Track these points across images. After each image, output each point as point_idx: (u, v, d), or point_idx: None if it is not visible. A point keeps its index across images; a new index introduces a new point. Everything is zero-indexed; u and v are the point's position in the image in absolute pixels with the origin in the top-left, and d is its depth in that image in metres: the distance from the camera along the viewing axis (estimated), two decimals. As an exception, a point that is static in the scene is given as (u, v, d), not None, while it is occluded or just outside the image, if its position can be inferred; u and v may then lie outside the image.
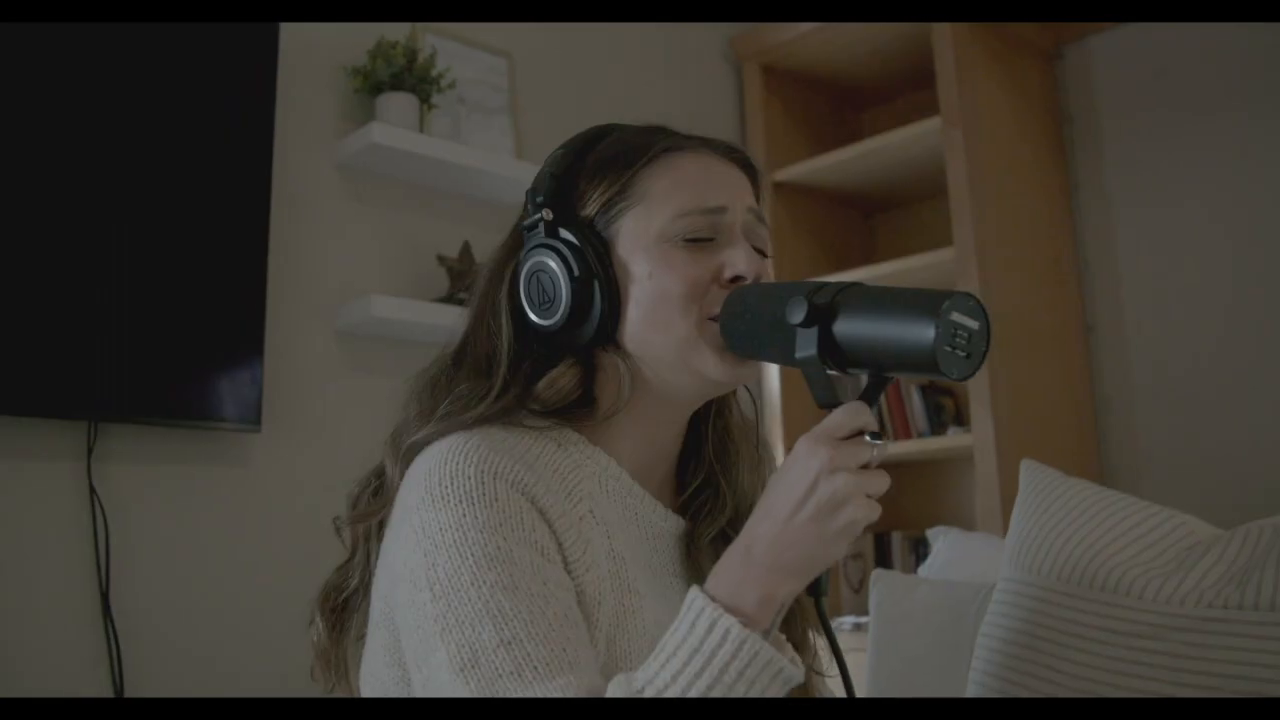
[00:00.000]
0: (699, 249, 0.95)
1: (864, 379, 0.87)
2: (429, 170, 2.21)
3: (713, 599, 0.78)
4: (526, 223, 0.98)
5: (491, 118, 2.40)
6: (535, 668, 0.78)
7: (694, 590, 0.80)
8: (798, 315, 0.83)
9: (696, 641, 0.76)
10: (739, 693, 0.75)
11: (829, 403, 0.84)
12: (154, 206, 1.83)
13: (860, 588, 2.84)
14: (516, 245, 1.00)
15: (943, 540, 1.98)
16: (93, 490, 1.77)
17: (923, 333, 0.78)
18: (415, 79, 2.18)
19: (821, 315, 0.83)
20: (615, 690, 0.77)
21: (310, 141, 2.13)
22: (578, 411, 0.97)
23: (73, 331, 1.72)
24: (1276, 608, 1.18)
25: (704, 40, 3.02)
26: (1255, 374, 2.46)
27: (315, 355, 2.08)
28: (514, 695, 0.77)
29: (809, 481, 0.78)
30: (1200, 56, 2.62)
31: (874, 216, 3.21)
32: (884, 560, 2.87)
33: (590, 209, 0.96)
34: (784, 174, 2.92)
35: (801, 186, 2.97)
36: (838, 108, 3.19)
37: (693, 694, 0.75)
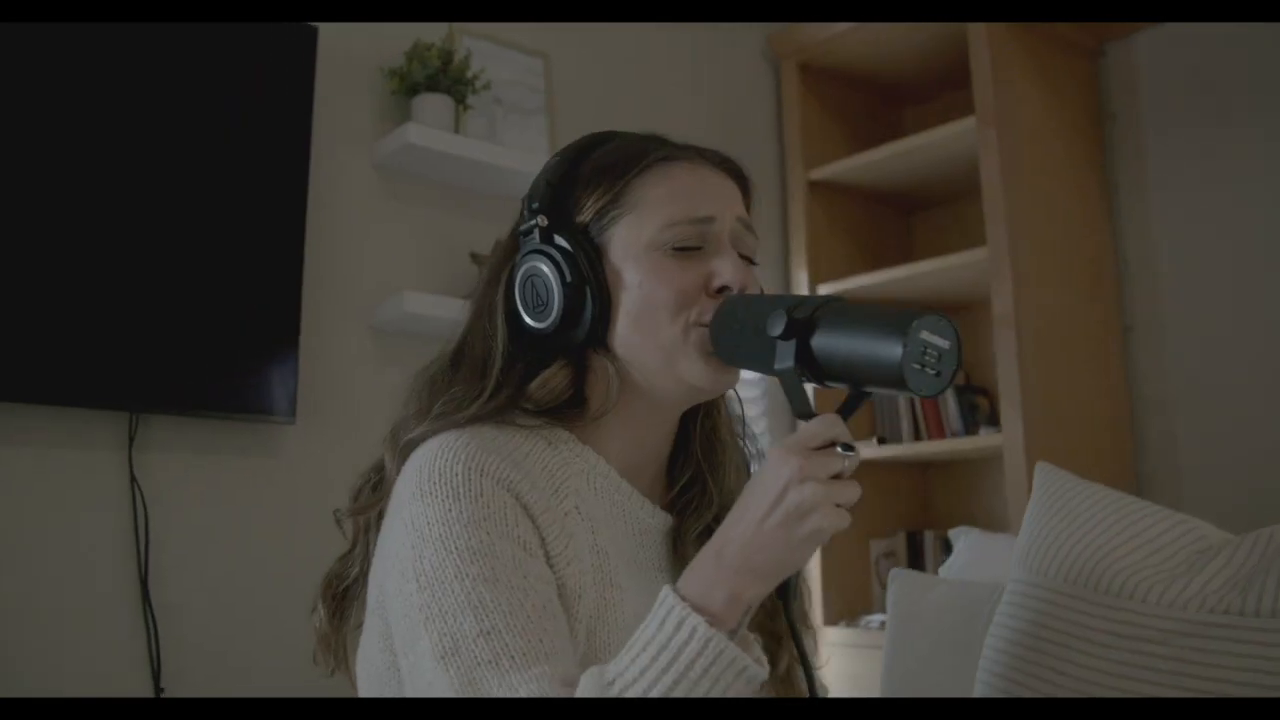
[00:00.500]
0: (688, 257, 0.98)
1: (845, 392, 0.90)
2: (464, 170, 2.25)
3: (683, 598, 0.81)
4: (523, 228, 1.01)
5: (528, 118, 2.44)
6: (512, 657, 0.81)
7: (666, 589, 0.82)
8: (777, 328, 0.87)
9: (665, 638, 0.79)
10: (703, 688, 0.78)
11: (805, 414, 0.87)
12: (195, 203, 1.88)
13: (880, 589, 2.85)
14: (513, 249, 1.03)
15: (964, 540, 1.99)
16: (133, 479, 1.84)
17: (891, 350, 0.81)
18: (450, 80, 2.22)
19: (800, 329, 0.86)
20: (587, 682, 0.79)
21: (347, 141, 2.19)
22: (569, 411, 1.00)
23: (116, 325, 1.78)
24: (1278, 614, 1.18)
25: (741, 38, 3.03)
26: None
27: (350, 350, 2.13)
28: (491, 683, 0.80)
29: (779, 489, 0.80)
30: (1245, 56, 2.58)
31: (912, 215, 3.20)
32: (916, 559, 2.88)
33: (585, 216, 1.00)
34: (820, 172, 2.92)
35: (838, 185, 2.98)
36: (876, 106, 3.18)
37: (659, 689, 0.77)
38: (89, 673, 1.76)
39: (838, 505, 0.81)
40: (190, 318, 1.86)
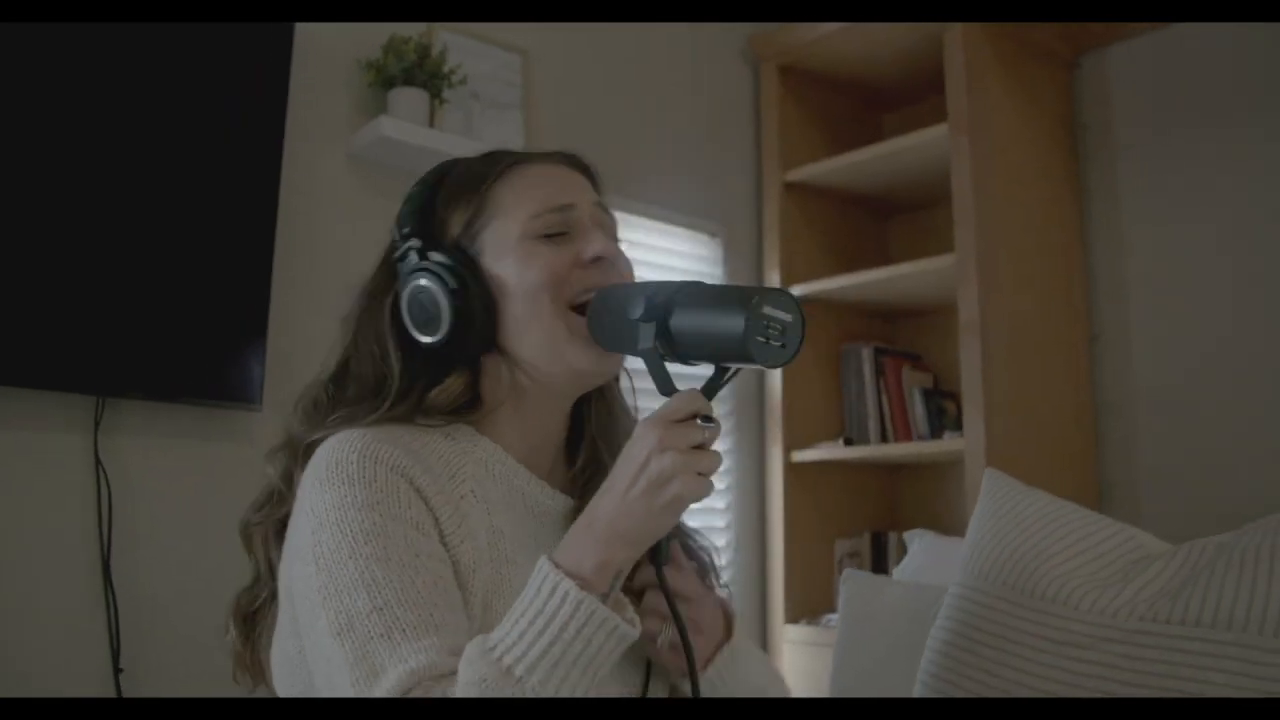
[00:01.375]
0: (556, 242, 1.06)
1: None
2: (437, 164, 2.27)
3: (557, 566, 0.87)
4: (398, 254, 1.08)
5: (504, 113, 2.46)
6: (403, 630, 0.87)
7: (541, 559, 0.88)
8: (637, 311, 0.94)
9: (541, 604, 0.85)
10: (577, 649, 0.84)
11: (668, 391, 0.93)
12: (168, 189, 1.89)
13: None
14: (391, 275, 1.10)
15: (919, 543, 2.02)
16: (99, 463, 1.85)
17: (735, 324, 0.88)
18: (427, 74, 2.24)
19: (657, 311, 0.93)
20: (471, 650, 0.85)
21: (322, 132, 2.20)
22: (467, 410, 1.08)
23: (85, 308, 1.79)
24: (1202, 623, 1.21)
25: (721, 39, 3.05)
26: (1258, 389, 2.46)
27: (319, 339, 2.12)
28: (383, 655, 0.86)
29: (642, 459, 0.87)
30: (1217, 71, 2.61)
31: (888, 219, 3.23)
32: (880, 560, 2.91)
33: (454, 231, 1.07)
34: (797, 174, 2.95)
35: (815, 187, 3.00)
36: (854, 110, 3.20)
37: (535, 650, 0.83)
38: (48, 656, 1.77)
39: (700, 474, 0.87)
40: (160, 303, 1.88)
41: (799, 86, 3.06)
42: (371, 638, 0.87)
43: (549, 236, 1.05)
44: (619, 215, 2.88)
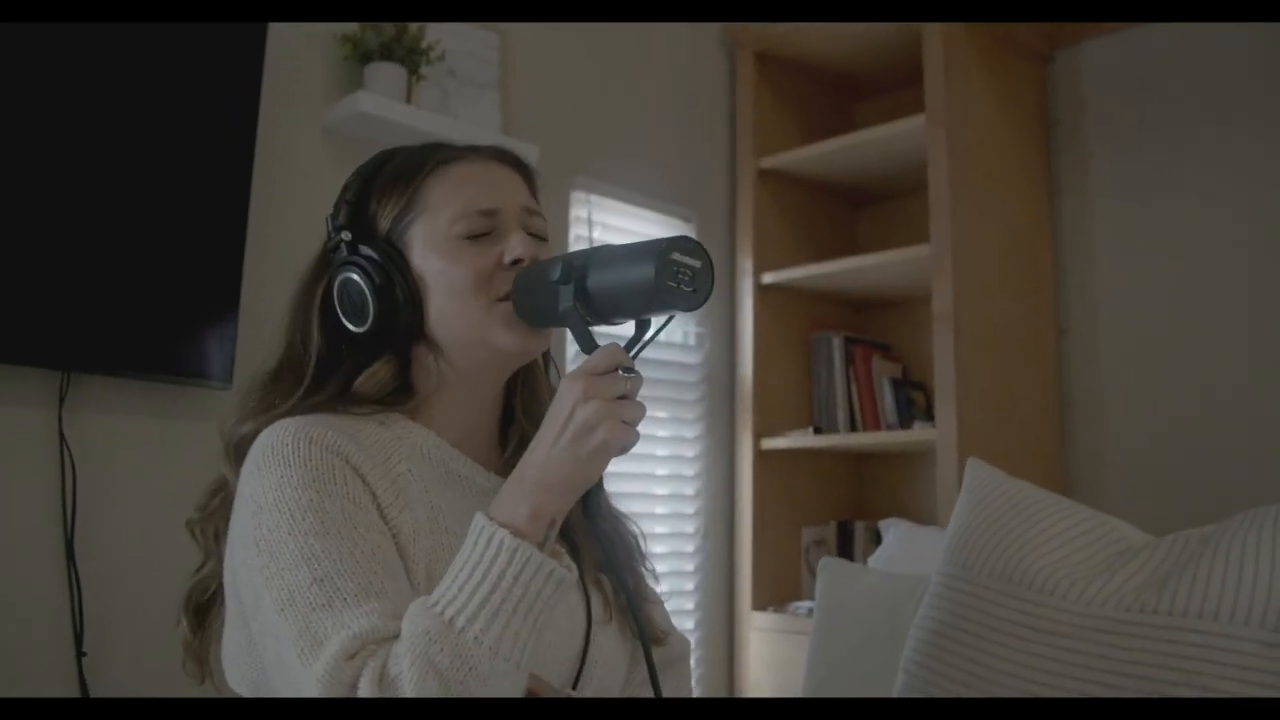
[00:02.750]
0: (481, 242, 1.08)
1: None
2: (414, 141, 2.22)
3: (490, 519, 0.89)
4: (330, 245, 1.11)
5: (481, 93, 2.42)
6: (344, 598, 0.89)
7: (477, 515, 0.90)
8: (555, 274, 0.98)
9: (478, 556, 0.87)
10: (516, 595, 0.86)
11: (589, 348, 0.96)
12: (138, 161, 1.85)
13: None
14: (324, 265, 1.13)
15: (893, 532, 2.03)
16: (63, 439, 1.80)
17: (645, 273, 0.92)
18: (405, 50, 2.20)
19: (574, 273, 0.97)
20: (414, 607, 0.86)
21: (297, 105, 2.15)
22: (398, 399, 1.10)
23: (51, 281, 1.74)
24: (1189, 613, 1.23)
25: (698, 25, 3.03)
26: (1222, 385, 2.50)
27: (291, 317, 2.11)
28: (326, 625, 0.87)
29: (567, 411, 0.91)
30: (1188, 69, 2.64)
31: (859, 209, 3.23)
32: (846, 548, 2.92)
33: (384, 224, 1.10)
34: (771, 161, 2.94)
35: (788, 175, 2.99)
36: (830, 98, 3.20)
37: (475, 600, 0.85)
38: (6, 639, 1.72)
39: (625, 423, 0.90)
40: (129, 277, 1.83)
41: (774, 74, 3.05)
42: (314, 609, 0.88)
43: (474, 238, 1.08)
44: (593, 198, 2.87)
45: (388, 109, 2.14)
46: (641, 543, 1.22)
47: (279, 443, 0.98)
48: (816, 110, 3.15)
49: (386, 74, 2.18)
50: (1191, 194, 2.60)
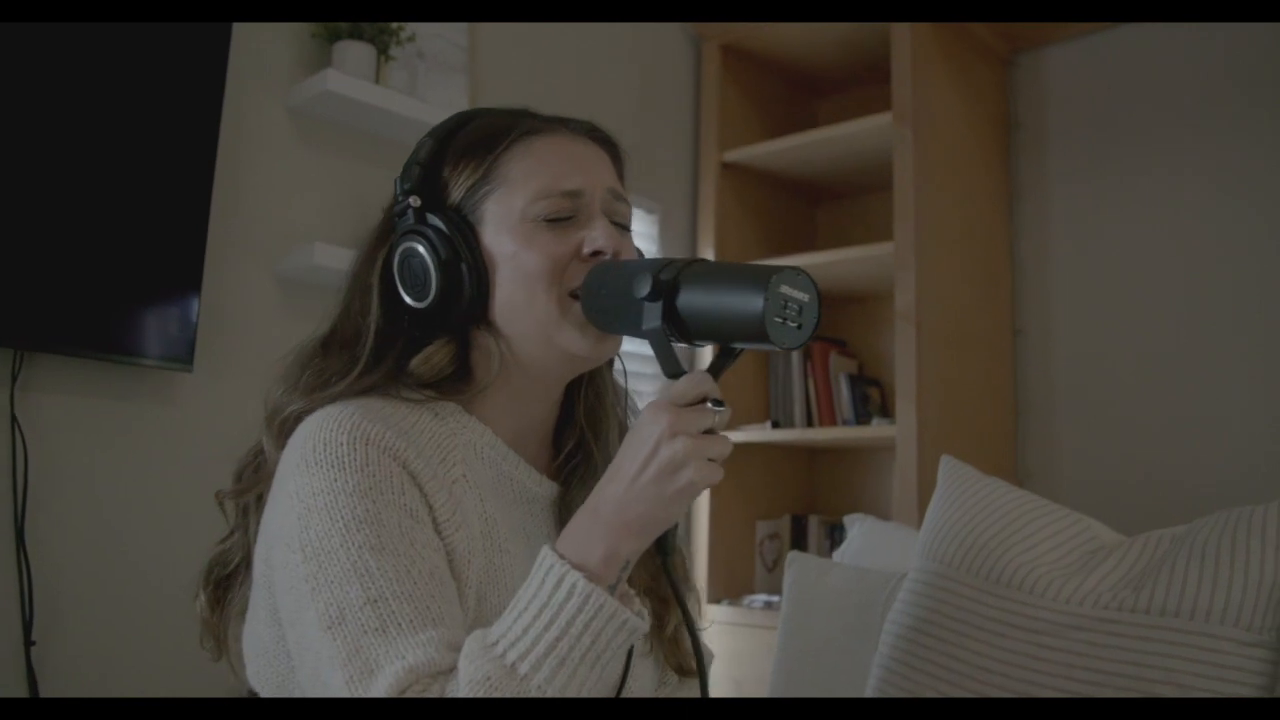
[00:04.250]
0: (560, 227, 1.00)
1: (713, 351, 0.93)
2: (382, 122, 2.19)
3: (561, 556, 0.83)
4: (396, 209, 1.03)
5: (450, 75, 2.39)
6: (399, 624, 0.82)
7: (545, 548, 0.84)
8: (643, 289, 0.89)
9: (545, 596, 0.81)
10: (585, 644, 0.80)
11: (674, 372, 0.89)
12: (98, 138, 1.79)
13: (774, 567, 2.91)
14: (387, 230, 1.04)
15: (859, 527, 2.03)
16: (14, 420, 1.74)
17: (752, 304, 0.83)
18: (374, 29, 2.16)
19: (665, 290, 0.89)
20: (471, 645, 0.81)
21: (264, 83, 2.10)
22: (454, 385, 1.02)
23: (7, 258, 1.68)
24: (1166, 612, 1.25)
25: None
26: (1173, 388, 2.56)
27: (254, 299, 2.06)
28: (378, 650, 0.81)
29: (651, 445, 0.83)
30: (1147, 75, 2.69)
31: (819, 205, 3.25)
32: (799, 543, 2.94)
33: (456, 195, 1.02)
34: (734, 155, 2.94)
35: (751, 169, 3.00)
36: (794, 94, 3.21)
37: (541, 645, 0.79)
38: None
39: (710, 460, 0.83)
40: (87, 254, 1.77)
41: (739, 68, 3.05)
42: (365, 632, 0.82)
43: (552, 220, 1.00)
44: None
45: (356, 89, 2.10)
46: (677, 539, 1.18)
47: (332, 440, 0.90)
48: (780, 105, 3.16)
49: (355, 53, 2.13)
50: (1147, 200, 2.66)
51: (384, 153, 2.25)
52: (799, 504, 3.05)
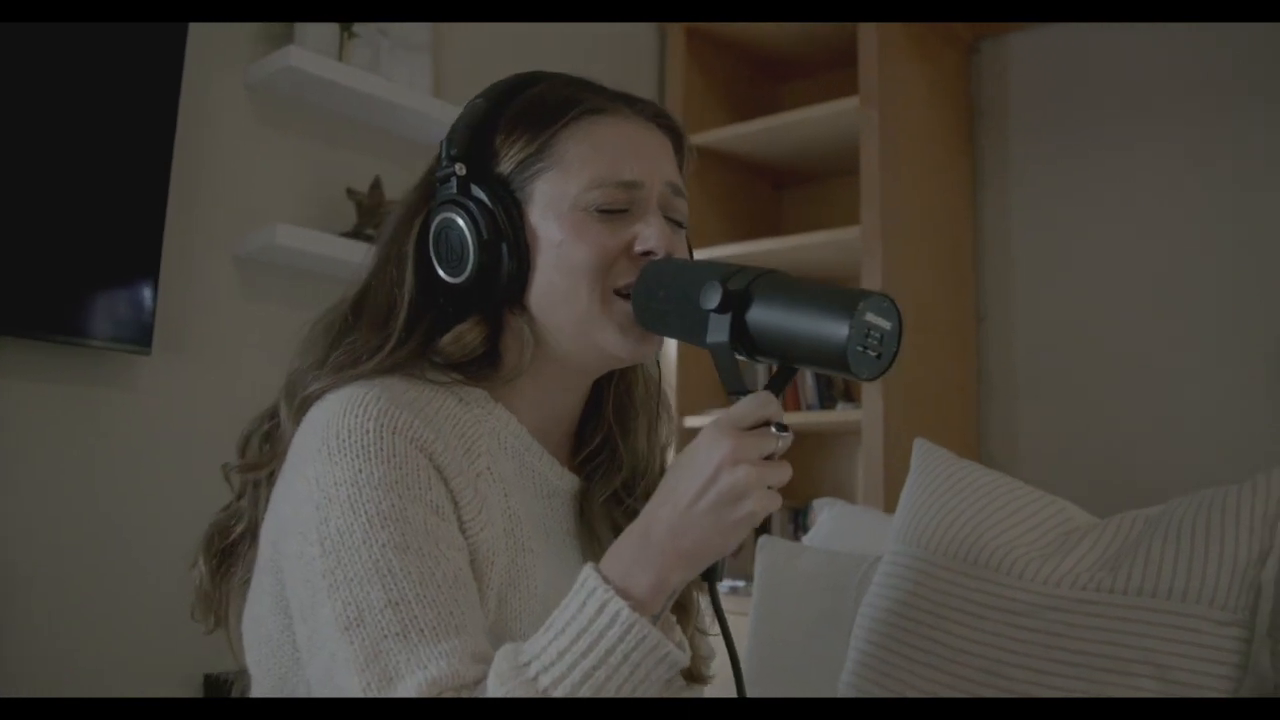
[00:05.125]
0: (612, 219, 0.94)
1: (771, 367, 0.87)
2: (345, 100, 2.15)
3: (605, 579, 0.78)
4: (439, 174, 0.96)
5: (414, 55, 2.35)
6: (421, 630, 0.78)
7: (588, 569, 0.79)
8: (712, 300, 0.83)
9: (585, 621, 0.76)
10: (623, 674, 0.76)
11: (737, 390, 0.83)
12: (54, 118, 1.74)
13: (738, 553, 2.89)
14: (428, 194, 0.98)
15: (828, 511, 2.03)
16: (-34, 403, 1.69)
17: (836, 330, 0.78)
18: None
19: (735, 302, 0.83)
20: (502, 661, 0.77)
21: (224, 59, 2.06)
22: (481, 368, 0.96)
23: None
24: (1143, 593, 1.25)
25: (631, -4, 2.99)
26: (1132, 374, 2.59)
27: (214, 281, 2.02)
28: (398, 656, 0.77)
29: (711, 471, 0.77)
30: (1108, 65, 2.71)
31: (783, 189, 3.25)
32: (762, 527, 2.93)
33: (505, 167, 0.95)
34: (698, 139, 2.92)
35: (715, 153, 2.99)
36: (759, 78, 3.21)
37: (577, 672, 0.75)
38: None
39: (769, 488, 0.79)
40: (41, 237, 1.72)
41: (704, 51, 3.04)
42: (385, 636, 0.78)
43: (606, 211, 0.93)
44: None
45: (319, 65, 2.06)
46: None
47: (358, 427, 0.84)
48: (745, 89, 3.15)
49: (318, 29, 2.09)
50: (1108, 185, 2.68)
51: (347, 132, 2.21)
52: (763, 489, 3.04)
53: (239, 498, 1.00)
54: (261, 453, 0.97)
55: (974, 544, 1.40)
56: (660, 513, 0.79)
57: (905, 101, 2.66)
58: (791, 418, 2.79)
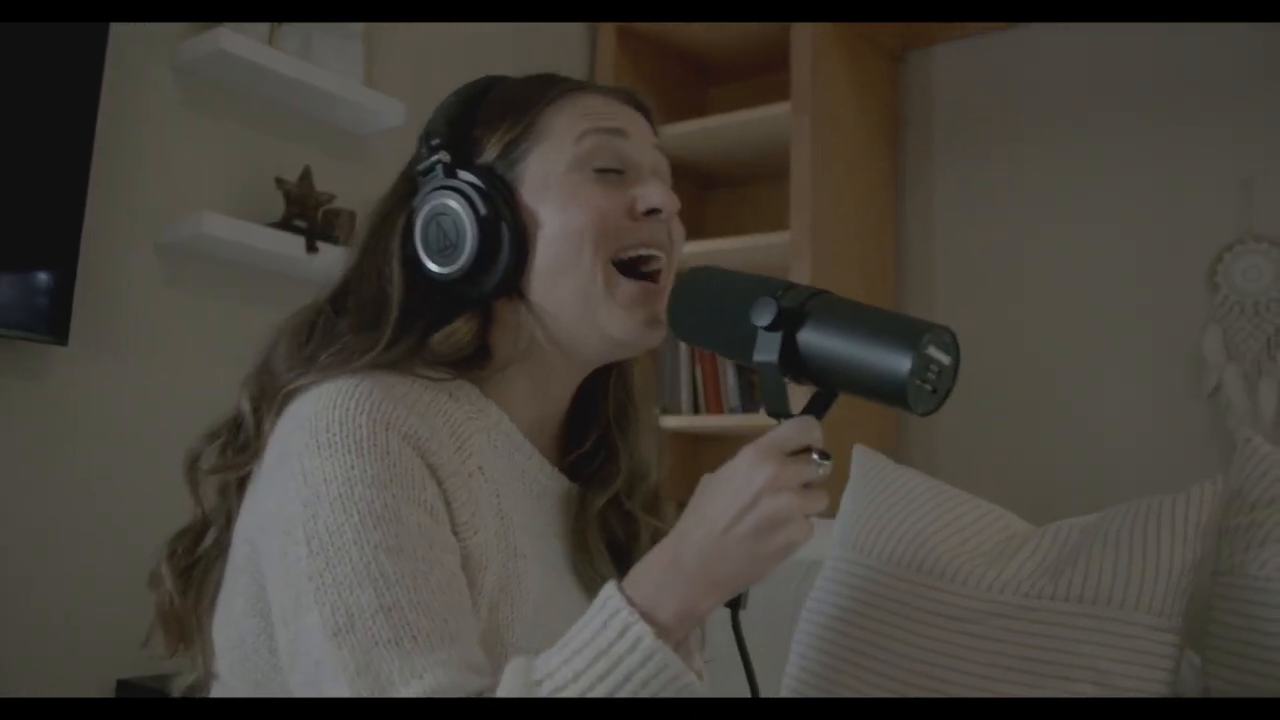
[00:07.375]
0: (610, 182, 0.93)
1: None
2: (275, 87, 2.09)
3: (629, 601, 0.74)
4: (421, 166, 0.94)
5: (345, 43, 2.29)
6: (414, 638, 0.75)
7: (610, 587, 0.76)
8: (765, 318, 0.79)
9: (605, 644, 0.73)
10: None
11: (780, 412, 0.80)
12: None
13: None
14: (407, 192, 0.96)
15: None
16: None
17: (898, 363, 0.75)
18: (268, -14, 2.05)
19: (789, 320, 0.79)
20: (510, 677, 0.74)
21: (150, 39, 1.97)
22: (471, 364, 0.94)
23: None
24: (1084, 599, 1.29)
25: (563, -8, 2.97)
26: (1049, 379, 2.66)
27: (136, 270, 1.94)
28: (391, 664, 0.74)
29: (750, 496, 0.74)
30: (1031, 77, 2.78)
31: (708, 192, 3.26)
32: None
33: (489, 155, 0.93)
34: (629, 139, 2.92)
35: (643, 154, 2.98)
36: (688, 79, 3.21)
37: (591, 696, 0.73)
38: None
39: (806, 516, 0.76)
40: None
41: (635, 50, 3.03)
42: (377, 643, 0.75)
43: (601, 172, 0.92)
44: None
45: (249, 49, 1.99)
46: None
47: (350, 420, 0.81)
48: (673, 90, 3.15)
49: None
50: (1028, 197, 2.75)
51: (277, 120, 2.15)
52: (685, 491, 3.02)
53: (204, 510, 0.94)
54: (233, 458, 0.92)
55: (917, 551, 1.42)
56: (693, 536, 0.76)
57: (835, 108, 2.69)
58: (715, 420, 2.81)
